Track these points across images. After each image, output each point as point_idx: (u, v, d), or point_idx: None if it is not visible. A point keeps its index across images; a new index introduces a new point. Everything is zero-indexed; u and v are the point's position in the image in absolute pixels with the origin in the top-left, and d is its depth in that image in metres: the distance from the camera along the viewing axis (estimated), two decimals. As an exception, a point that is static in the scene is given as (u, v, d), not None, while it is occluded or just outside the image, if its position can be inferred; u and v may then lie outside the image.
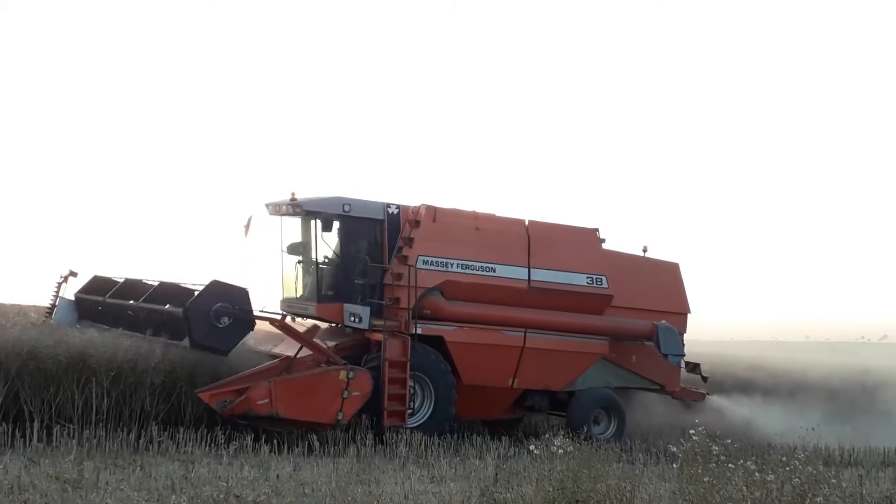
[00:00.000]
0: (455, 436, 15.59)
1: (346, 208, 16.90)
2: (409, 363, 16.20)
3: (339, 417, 14.97)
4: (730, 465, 8.13)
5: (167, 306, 15.98)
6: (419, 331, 16.59)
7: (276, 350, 16.51)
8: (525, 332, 17.54)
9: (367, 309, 16.73)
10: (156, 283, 16.94)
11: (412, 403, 16.40)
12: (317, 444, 14.23)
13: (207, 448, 13.11)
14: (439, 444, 14.78)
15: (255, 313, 15.53)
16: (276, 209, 17.37)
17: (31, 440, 12.66)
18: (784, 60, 77.71)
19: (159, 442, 13.30)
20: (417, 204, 17.41)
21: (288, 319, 16.83)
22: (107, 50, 57.20)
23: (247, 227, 17.06)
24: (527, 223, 18.11)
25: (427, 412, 16.59)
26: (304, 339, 15.72)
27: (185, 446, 13.02)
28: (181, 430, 13.93)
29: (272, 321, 15.69)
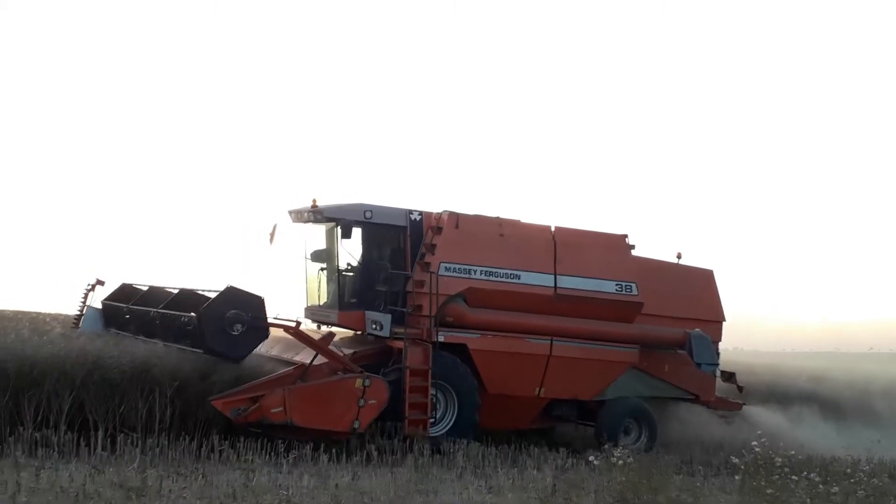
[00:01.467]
0: (512, 446, 15.44)
1: (368, 215, 16.77)
2: (430, 371, 15.94)
3: (356, 426, 14.73)
4: (793, 476, 7.94)
5: (186, 314, 15.68)
6: (442, 338, 16.32)
7: (298, 358, 16.30)
8: (551, 341, 17.22)
9: (389, 316, 16.51)
10: (176, 291, 16.83)
11: (434, 412, 16.16)
12: (375, 453, 14.17)
13: (267, 457, 13.11)
14: (496, 454, 14.64)
15: (270, 321, 15.29)
16: (299, 216, 17.24)
17: (95, 448, 12.71)
18: (818, 55, 75.64)
19: (220, 451, 13.28)
20: (440, 210, 17.23)
21: (312, 327, 16.82)
22: (129, 58, 57.01)
23: (272, 234, 16.95)
24: (553, 229, 17.83)
25: (450, 421, 16.35)
26: (318, 346, 15.54)
27: (246, 455, 13.02)
28: (242, 439, 13.98)
29: (286, 328, 15.43)
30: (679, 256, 19.33)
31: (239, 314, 14.61)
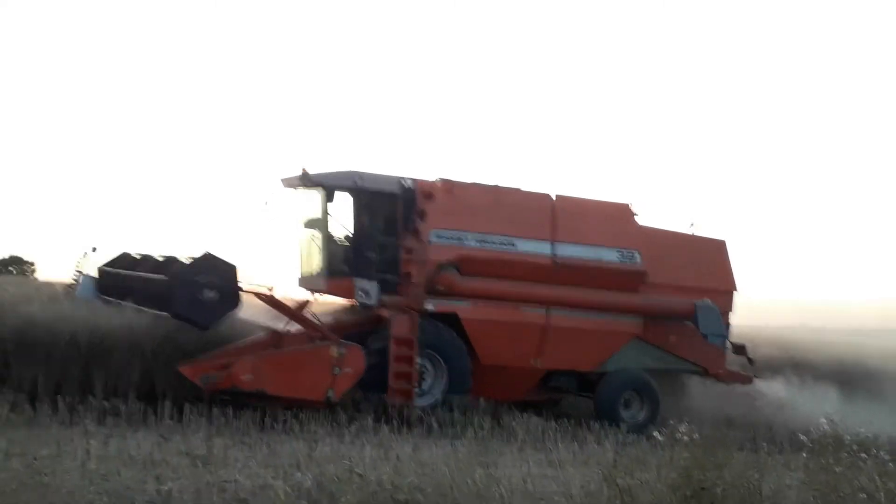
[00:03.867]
0: (572, 420, 15.32)
1: (359, 181, 16.35)
2: (416, 340, 15.48)
3: (330, 395, 14.31)
4: (862, 454, 7.72)
5: (160, 278, 15.30)
6: (431, 307, 15.93)
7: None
8: (548, 310, 16.80)
9: (376, 284, 16.00)
10: (162, 258, 16.42)
11: (422, 381, 15.79)
12: (436, 425, 14.20)
13: (330, 427, 13.24)
14: (556, 428, 14.54)
15: (244, 288, 14.68)
16: (290, 183, 16.76)
17: (162, 418, 12.91)
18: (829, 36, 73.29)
19: (284, 421, 13.43)
20: (433, 178, 16.85)
21: (307, 296, 16.60)
22: (126, 37, 58.12)
23: (266, 203, 16.65)
24: (553, 197, 17.37)
25: (439, 390, 16.00)
26: (292, 313, 15.26)
27: (309, 426, 13.15)
28: (305, 410, 14.05)
29: (259, 295, 14.87)
30: (692, 226, 18.72)
31: (210, 281, 14.20)
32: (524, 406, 16.63)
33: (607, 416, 16.39)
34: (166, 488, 8.29)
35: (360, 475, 8.61)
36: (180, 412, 13.15)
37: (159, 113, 60.34)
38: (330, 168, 16.59)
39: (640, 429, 15.68)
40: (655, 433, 8.93)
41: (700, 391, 18.32)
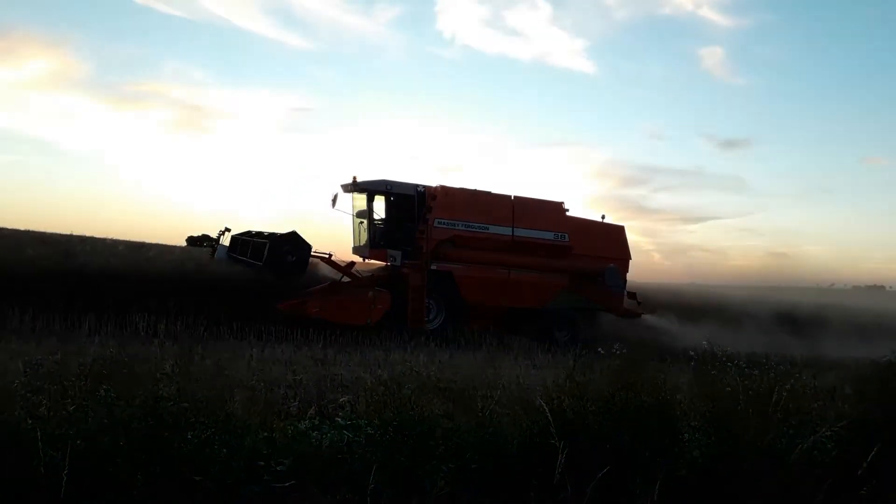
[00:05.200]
0: (548, 344, 15.34)
1: (389, 187, 16.36)
2: (425, 288, 15.71)
3: (368, 321, 14.53)
4: (728, 364, 7.75)
5: (263, 242, 15.39)
6: (434, 267, 16.04)
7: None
8: (509, 270, 16.90)
9: (400, 252, 16.09)
10: (268, 234, 16.54)
11: (429, 314, 16.01)
12: (463, 342, 14.27)
13: (399, 342, 13.40)
14: (538, 347, 14.60)
15: (312, 254, 14.98)
16: (346, 188, 16.64)
17: (296, 336, 13.06)
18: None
19: (369, 338, 13.60)
20: (436, 185, 16.88)
21: (356, 259, 16.81)
22: None
23: (333, 200, 16.17)
24: (512, 198, 17.30)
25: (440, 320, 16.16)
26: (344, 270, 15.46)
27: (386, 342, 13.31)
28: (382, 331, 14.21)
29: (322, 258, 15.26)
30: (603, 217, 18.87)
31: (291, 249, 14.43)
32: (516, 332, 16.74)
33: (546, 335, 16.48)
34: (299, 378, 8.48)
35: (416, 372, 8.78)
36: (307, 332, 13.36)
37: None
38: (371, 177, 16.53)
39: (567, 345, 15.76)
40: (599, 349, 8.99)
41: (611, 323, 18.47)
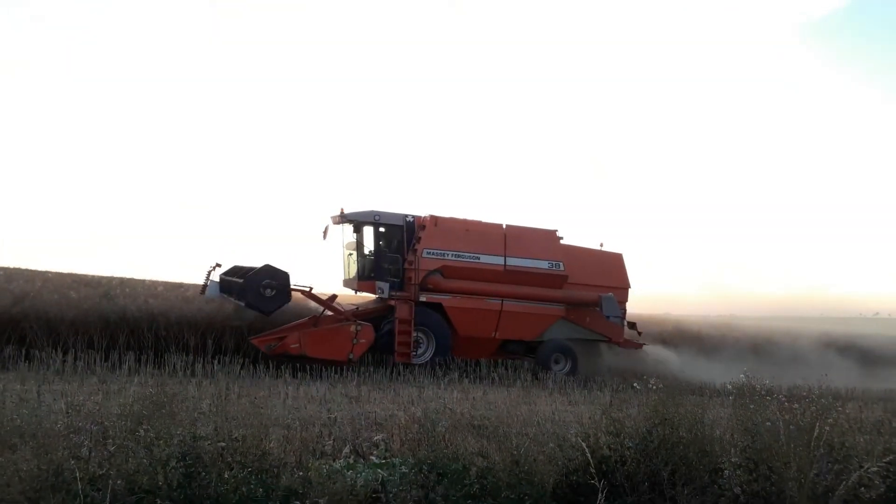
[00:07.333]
0: (583, 377, 15.06)
1: (377, 218, 15.72)
2: (412, 321, 14.98)
3: (350, 356, 13.93)
4: (768, 397, 7.56)
5: (238, 280, 14.48)
6: (423, 299, 15.30)
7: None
8: (502, 301, 16.07)
9: (387, 284, 15.39)
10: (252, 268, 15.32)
11: (419, 347, 15.34)
12: (497, 378, 14.09)
13: (432, 379, 13.26)
14: (573, 381, 14.37)
15: (292, 287, 13.99)
16: (335, 219, 16.00)
17: (330, 374, 13.09)
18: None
19: (403, 374, 13.55)
20: (425, 214, 16.26)
21: (345, 292, 16.15)
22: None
23: (324, 232, 15.81)
24: (504, 226, 16.52)
25: (430, 353, 15.40)
26: (325, 303, 14.81)
27: (419, 378, 13.23)
28: (417, 368, 14.15)
29: (303, 292, 14.23)
30: (601, 245, 17.92)
31: (270, 282, 13.71)
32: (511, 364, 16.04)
33: (544, 368, 15.89)
34: (333, 416, 8.47)
35: (450, 409, 8.73)
36: (342, 370, 13.33)
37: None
38: (359, 208, 15.99)
39: (567, 376, 15.10)
40: (635, 384, 8.84)
41: (612, 355, 17.63)
